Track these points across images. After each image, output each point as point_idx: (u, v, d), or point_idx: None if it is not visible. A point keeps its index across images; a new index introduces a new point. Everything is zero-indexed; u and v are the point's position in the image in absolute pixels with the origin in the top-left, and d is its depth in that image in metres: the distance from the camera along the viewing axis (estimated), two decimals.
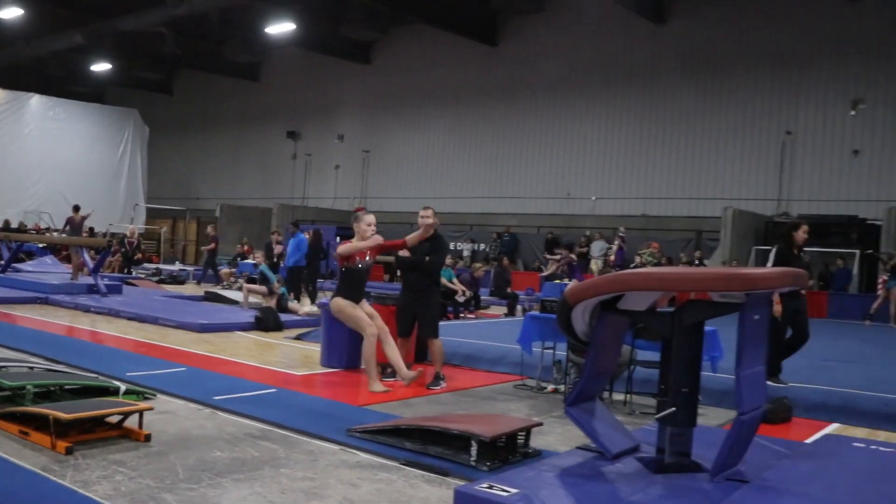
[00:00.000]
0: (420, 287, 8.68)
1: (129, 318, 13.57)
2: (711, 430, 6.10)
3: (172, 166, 40.56)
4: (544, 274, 21.85)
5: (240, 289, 17.01)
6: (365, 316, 8.04)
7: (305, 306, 15.57)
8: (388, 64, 33.15)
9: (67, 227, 21.93)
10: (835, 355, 11.26)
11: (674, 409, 4.87)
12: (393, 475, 5.18)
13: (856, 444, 6.27)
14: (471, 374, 9.58)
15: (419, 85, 32.04)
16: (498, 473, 4.89)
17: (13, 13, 28.09)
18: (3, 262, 18.95)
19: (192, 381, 8.02)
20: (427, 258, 8.63)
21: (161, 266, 28.68)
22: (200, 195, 39.40)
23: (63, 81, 36.98)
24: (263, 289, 14.94)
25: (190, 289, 21.76)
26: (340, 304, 8.08)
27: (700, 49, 25.81)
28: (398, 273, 10.20)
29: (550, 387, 8.67)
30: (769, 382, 8.37)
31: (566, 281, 17.59)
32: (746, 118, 25.05)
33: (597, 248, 24.71)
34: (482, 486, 4.36)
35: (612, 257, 23.24)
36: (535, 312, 9.23)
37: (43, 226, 31.37)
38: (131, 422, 5.72)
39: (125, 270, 24.73)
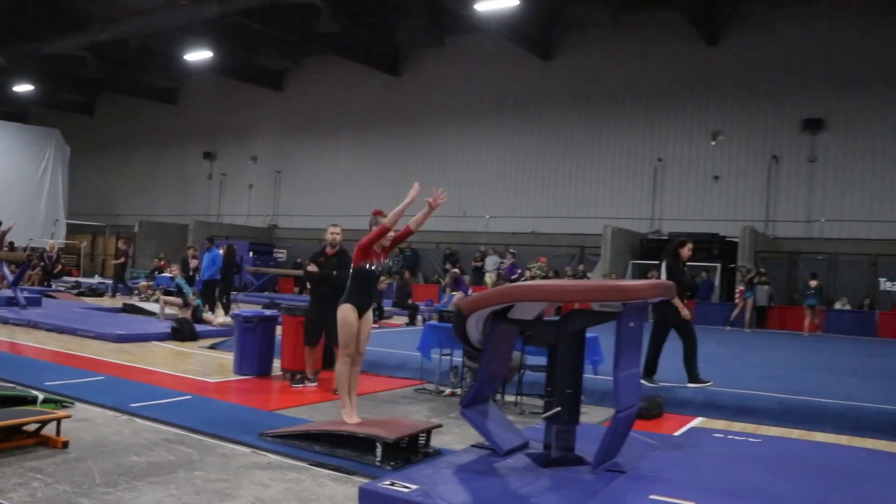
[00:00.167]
0: (328, 299, 8.60)
1: (49, 330, 13.04)
2: (593, 427, 6.23)
3: (93, 184, 39.17)
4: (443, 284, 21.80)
5: (157, 301, 16.53)
6: (354, 341, 6.72)
7: (220, 317, 15.23)
8: (300, 91, 32.89)
9: None
10: (700, 357, 11.63)
11: (559, 408, 4.96)
12: (302, 475, 5.12)
13: (716, 434, 6.50)
14: (375, 380, 9.55)
15: (328, 111, 31.87)
16: (400, 472, 4.89)
17: None
18: None
19: (110, 389, 7.76)
20: (335, 272, 8.58)
21: (80, 279, 27.63)
22: (120, 212, 38.14)
23: None
24: (179, 300, 14.55)
25: (108, 301, 21.05)
26: (347, 313, 6.68)
27: (583, 83, 26.47)
28: (307, 286, 10.08)
29: (448, 390, 8.71)
30: (646, 382, 8.64)
31: (453, 293, 17.71)
32: (624, 146, 25.77)
33: (490, 262, 24.95)
34: (385, 484, 4.36)
35: (504, 271, 23.49)
36: (434, 322, 9.27)
37: None
38: (49, 430, 5.51)
39: (45, 283, 23.73)
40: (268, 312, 10.23)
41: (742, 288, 20.61)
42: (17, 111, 38.33)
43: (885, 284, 21.81)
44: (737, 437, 6.33)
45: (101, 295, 22.73)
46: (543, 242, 25.92)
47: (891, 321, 20.30)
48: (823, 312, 20.36)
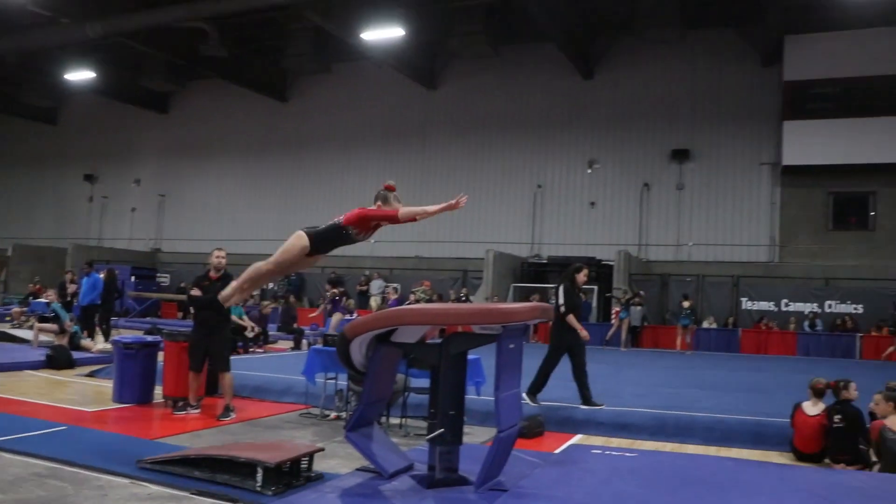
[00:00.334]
0: (212, 324, 8.35)
1: None
2: (476, 447, 6.21)
3: None
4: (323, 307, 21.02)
5: (31, 327, 15.60)
6: (283, 266, 6.16)
7: (99, 343, 14.52)
8: (185, 114, 32.00)
9: None
10: None
11: (442, 430, 4.91)
12: None
13: (594, 450, 6.60)
14: (260, 405, 9.27)
15: (214, 135, 31.14)
16: (283, 497, 4.73)
17: None
18: None
19: None
20: (219, 297, 8.32)
21: None
22: None
23: None
24: (55, 327, 13.74)
25: None
26: (302, 241, 5.92)
27: (466, 112, 26.87)
28: (191, 311, 9.72)
29: (333, 414, 8.54)
30: (529, 402, 8.72)
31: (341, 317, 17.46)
32: (505, 173, 26.22)
33: (375, 286, 24.83)
34: None
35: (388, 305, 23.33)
36: (319, 346, 9.10)
37: None
38: None
39: None
40: (149, 338, 9.80)
41: (618, 309, 21.20)
42: None
43: (747, 304, 22.96)
44: (614, 453, 6.44)
45: None
46: (427, 266, 26.00)
47: (752, 338, 21.32)
48: (694, 331, 21.16)
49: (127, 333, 14.52)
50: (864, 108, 22.18)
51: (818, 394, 7.39)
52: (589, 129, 25.37)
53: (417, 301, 16.68)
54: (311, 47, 24.58)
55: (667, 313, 23.20)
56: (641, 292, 21.91)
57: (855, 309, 21.98)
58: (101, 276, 16.51)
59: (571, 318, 9.06)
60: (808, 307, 22.20)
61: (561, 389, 9.61)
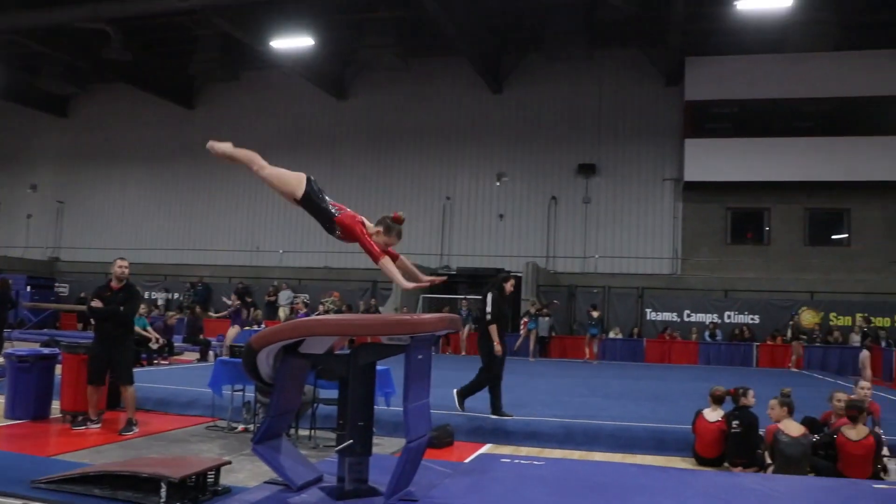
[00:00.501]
0: (114, 336, 8.07)
1: None
2: (386, 458, 6.17)
3: None
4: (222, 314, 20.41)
5: None
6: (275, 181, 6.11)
7: None
8: (87, 118, 30.82)
9: None
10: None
11: (351, 441, 4.87)
12: None
13: (503, 459, 6.64)
14: (164, 418, 9.00)
15: (118, 141, 30.08)
16: None
17: None
18: None
19: None
20: (121, 308, 8.05)
21: None
22: None
23: None
24: None
25: None
26: (300, 178, 5.87)
27: (376, 123, 26.83)
28: (91, 322, 9.36)
29: (241, 426, 8.37)
30: (497, 416, 8.76)
31: (252, 327, 17.15)
32: (415, 184, 26.28)
33: (284, 297, 24.47)
34: None
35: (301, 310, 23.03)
36: (225, 357, 8.91)
37: None
38: None
39: None
40: (46, 350, 9.39)
41: (526, 319, 21.45)
42: None
43: (651, 315, 23.61)
44: (523, 461, 6.50)
45: None
46: (336, 277, 25.78)
47: (656, 348, 21.93)
48: (601, 341, 21.60)
49: (22, 346, 13.86)
50: (760, 129, 23.23)
51: (717, 401, 7.64)
52: (498, 143, 25.71)
53: (326, 312, 16.52)
54: (219, 54, 24.14)
55: (574, 324, 23.67)
56: (556, 301, 22.31)
57: (752, 319, 22.89)
58: None
59: (493, 329, 9.11)
60: (708, 318, 23.00)
61: (470, 400, 9.66)
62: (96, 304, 8.14)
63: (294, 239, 27.31)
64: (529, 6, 21.52)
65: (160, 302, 26.07)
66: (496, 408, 8.97)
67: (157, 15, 21.57)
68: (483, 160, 25.82)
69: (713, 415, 7.53)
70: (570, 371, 17.37)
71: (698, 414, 7.66)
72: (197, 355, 17.29)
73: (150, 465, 5.44)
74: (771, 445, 6.89)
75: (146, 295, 24.11)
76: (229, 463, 5.81)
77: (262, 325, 17.94)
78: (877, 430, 7.21)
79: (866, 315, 21.80)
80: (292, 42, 21.78)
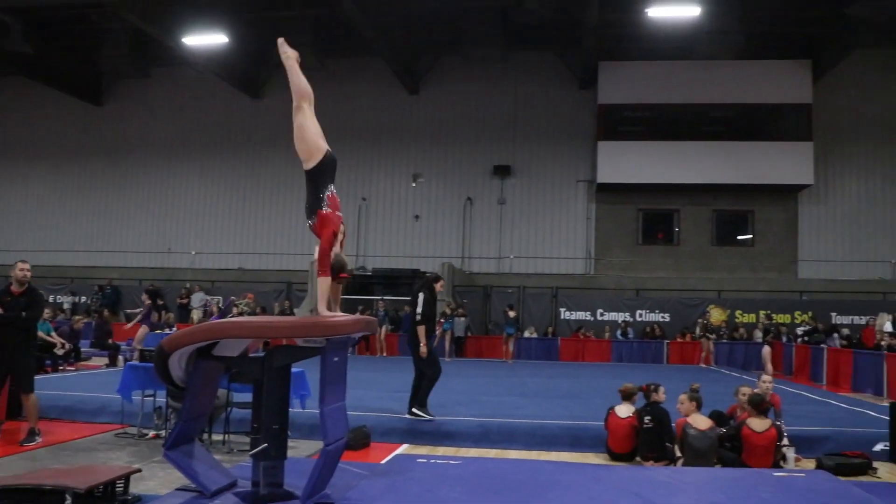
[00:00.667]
0: (15, 342, 7.72)
1: None
2: (301, 461, 6.11)
3: None
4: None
5: None
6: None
7: None
8: None
9: None
10: (405, 386, 11.92)
11: (266, 444, 4.81)
12: None
13: (419, 460, 6.66)
14: (71, 427, 8.67)
15: (19, 137, 28.79)
16: None
17: None
18: None
19: None
20: (23, 313, 7.73)
21: None
22: None
23: None
24: None
25: None
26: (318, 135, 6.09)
27: (291, 125, 26.34)
28: None
29: (152, 433, 8.15)
30: (420, 414, 8.71)
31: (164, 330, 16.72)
32: None
33: (197, 299, 23.93)
34: None
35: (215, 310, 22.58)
36: (135, 362, 8.67)
37: None
38: None
39: None
40: None
41: (442, 320, 21.52)
42: None
43: (565, 314, 24.02)
44: (439, 461, 6.53)
45: None
46: (250, 279, 25.37)
47: (570, 346, 22.31)
48: (517, 340, 21.85)
49: None
50: (670, 133, 23.97)
51: (627, 398, 7.84)
52: (414, 144, 25.76)
53: (241, 314, 16.26)
54: (128, 49, 23.45)
55: (490, 324, 23.89)
56: (465, 301, 22.48)
57: (662, 318, 23.54)
58: None
59: (421, 330, 9.09)
60: (621, 316, 23.54)
61: (388, 400, 9.67)
62: None
63: (207, 240, 26.77)
64: (446, 8, 21.61)
65: (66, 306, 25.18)
66: (421, 404, 8.97)
67: (60, 6, 20.80)
68: (399, 161, 25.83)
69: (625, 411, 7.72)
70: (485, 371, 17.52)
71: (610, 411, 7.83)
72: (106, 360, 16.75)
73: (53, 476, 5.24)
74: (680, 439, 7.12)
75: (51, 298, 23.26)
76: (139, 471, 5.66)
77: (174, 328, 17.51)
78: (778, 421, 7.52)
79: (768, 312, 22.75)
80: (205, 39, 21.33)
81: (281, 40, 5.88)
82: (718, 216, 24.96)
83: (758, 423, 7.09)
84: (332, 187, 5.48)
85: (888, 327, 17.76)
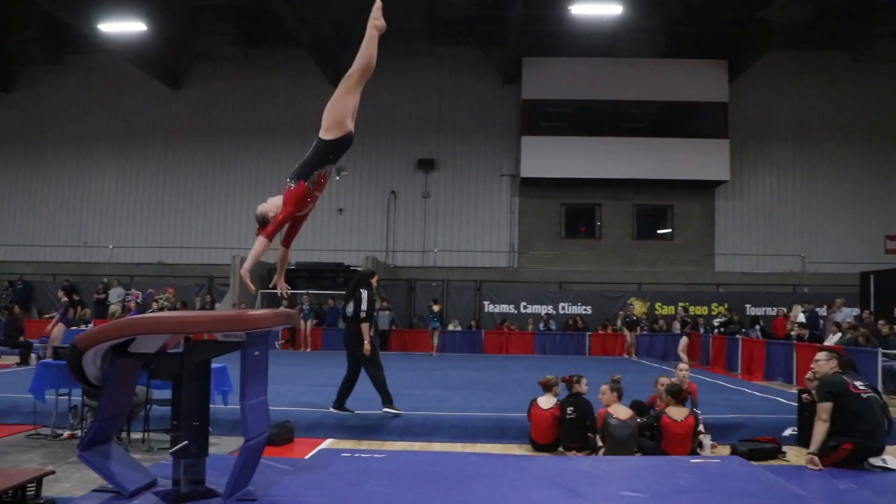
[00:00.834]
0: None
1: None
2: (223, 458, 6.01)
3: None
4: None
5: None
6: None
7: None
8: None
9: None
10: (329, 381, 11.84)
11: (186, 442, 4.71)
12: None
13: (344, 454, 6.62)
14: None
15: None
16: None
17: None
18: None
19: None
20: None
21: None
22: None
23: None
24: None
25: None
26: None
27: (213, 115, 25.98)
28: None
29: (67, 433, 7.88)
30: (339, 411, 8.61)
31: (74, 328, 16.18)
32: (253, 177, 25.64)
33: (115, 294, 23.24)
34: None
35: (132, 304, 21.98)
36: (49, 360, 8.37)
37: None
38: None
39: None
40: None
41: None
42: None
43: (489, 307, 24.21)
44: (363, 455, 6.50)
45: None
46: (170, 273, 24.82)
47: (494, 339, 22.50)
48: (441, 333, 21.94)
49: None
50: (592, 129, 24.41)
51: (548, 389, 7.95)
52: None
53: (161, 309, 15.90)
54: (39, 34, 22.59)
55: (414, 317, 23.91)
56: (383, 296, 22.48)
57: (585, 310, 23.93)
58: None
59: (365, 328, 9.01)
60: (544, 309, 23.83)
61: (312, 395, 9.58)
62: None
63: (125, 233, 26.06)
64: None
65: None
66: (340, 403, 8.93)
67: None
68: None
69: (546, 403, 7.82)
70: (410, 364, 17.52)
71: (533, 402, 7.93)
72: (17, 359, 16.14)
73: None
74: (602, 429, 7.26)
75: None
76: (53, 472, 5.46)
77: (91, 325, 16.99)
78: (695, 409, 7.74)
79: (686, 304, 23.39)
80: (122, 26, 20.73)
81: (379, 4, 5.53)
82: (639, 211, 25.55)
83: (676, 412, 7.29)
84: (329, 167, 5.45)
85: (801, 318, 18.45)
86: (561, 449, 7.64)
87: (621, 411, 7.30)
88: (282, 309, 5.61)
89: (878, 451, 6.55)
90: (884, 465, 6.45)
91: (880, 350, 13.06)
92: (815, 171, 25.40)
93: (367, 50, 5.53)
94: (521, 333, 22.85)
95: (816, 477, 6.23)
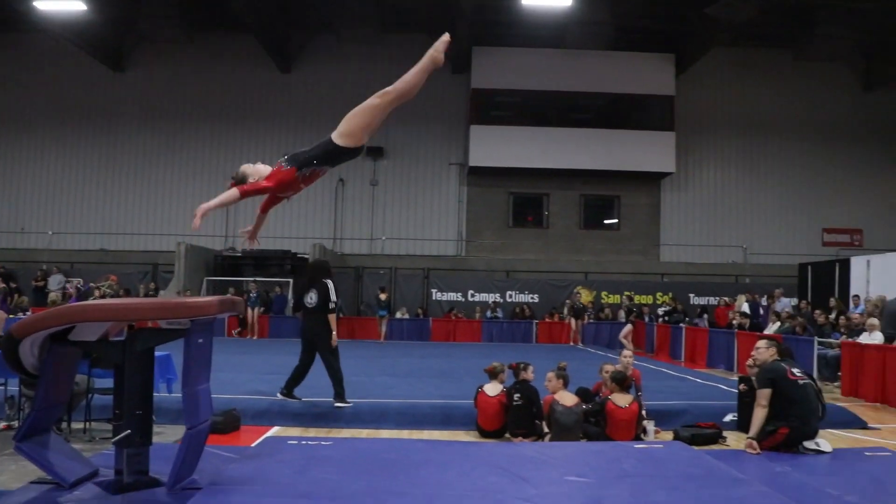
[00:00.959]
0: None
1: None
2: (168, 447, 5.92)
3: None
4: None
5: None
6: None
7: None
8: None
9: None
10: (276, 368, 11.76)
11: (129, 431, 4.64)
12: None
13: (290, 441, 6.57)
14: None
15: None
16: None
17: None
18: None
19: None
20: None
21: None
22: None
23: None
24: None
25: None
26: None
27: (157, 98, 25.45)
28: None
29: (3, 424, 7.68)
30: (286, 398, 8.52)
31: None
32: (197, 163, 25.27)
33: (54, 281, 22.71)
34: None
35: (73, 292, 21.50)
36: None
37: None
38: None
39: None
40: None
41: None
42: None
43: (437, 295, 24.26)
44: (310, 442, 6.47)
45: None
46: (113, 260, 24.31)
47: (442, 327, 22.57)
48: (389, 321, 21.93)
49: None
50: (540, 119, 24.55)
51: (494, 376, 8.00)
52: (285, 123, 25.25)
53: (103, 296, 15.59)
54: None
55: (362, 304, 23.85)
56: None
57: (532, 298, 24.16)
58: None
59: (333, 319, 8.94)
60: (491, 297, 23.98)
61: (258, 382, 9.50)
62: None
63: (65, 219, 25.43)
64: None
65: None
66: (289, 389, 8.87)
67: None
68: (269, 140, 25.25)
69: (493, 390, 7.87)
70: (358, 352, 17.47)
71: (479, 390, 7.97)
72: None
73: None
74: (548, 415, 7.34)
75: None
76: None
77: (29, 313, 16.57)
78: (639, 396, 7.87)
79: (631, 294, 23.74)
80: (60, 4, 20.17)
81: (446, 39, 5.53)
82: (586, 201, 25.81)
83: (621, 399, 7.40)
84: (326, 168, 5.31)
85: (745, 308, 18.90)
86: (507, 435, 7.70)
87: (567, 398, 7.39)
88: (227, 296, 5.52)
89: (812, 435, 6.78)
90: (817, 447, 6.69)
91: (816, 339, 13.45)
92: (757, 165, 25.98)
93: (414, 78, 5.48)
94: (468, 321, 22.95)
95: (754, 460, 6.41)
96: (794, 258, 23.42)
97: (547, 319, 23.02)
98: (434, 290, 24.38)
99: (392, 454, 5.97)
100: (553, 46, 23.86)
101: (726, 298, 21.64)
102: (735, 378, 10.70)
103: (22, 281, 22.74)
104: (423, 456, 5.89)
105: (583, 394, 8.07)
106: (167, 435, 7.11)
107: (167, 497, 4.55)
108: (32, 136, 25.71)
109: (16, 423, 7.49)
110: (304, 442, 6.50)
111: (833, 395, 11.74)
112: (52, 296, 21.69)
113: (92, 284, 20.34)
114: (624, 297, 23.75)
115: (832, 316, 15.47)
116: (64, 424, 7.21)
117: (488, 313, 23.31)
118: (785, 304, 18.64)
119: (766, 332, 15.58)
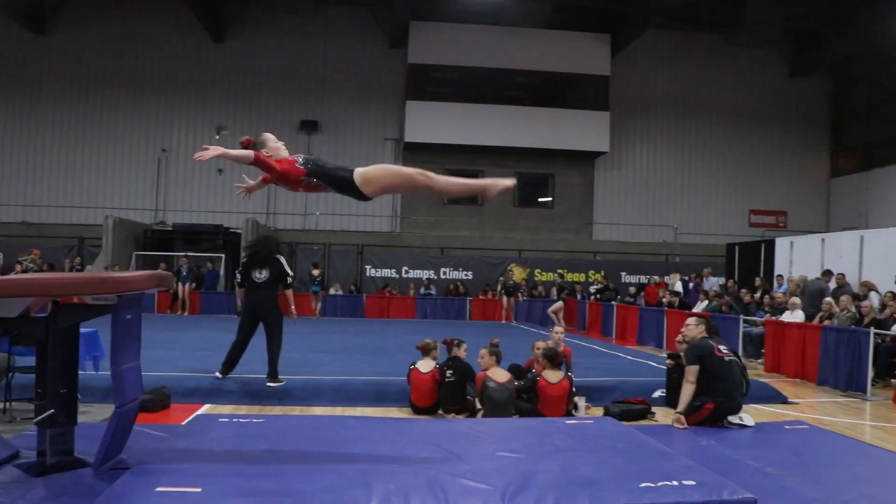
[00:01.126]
0: None
1: None
2: (94, 426, 5.80)
3: None
4: None
5: None
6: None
7: None
8: None
9: None
10: (207, 345, 11.62)
11: (52, 411, 4.53)
12: None
13: (221, 419, 6.51)
14: None
15: None
16: None
17: None
18: None
19: None
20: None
21: None
22: None
23: None
24: None
25: None
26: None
27: (83, 65, 24.57)
28: None
29: None
30: (270, 384, 8.39)
31: None
32: (126, 134, 24.59)
33: None
34: None
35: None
36: None
37: None
38: None
39: None
40: None
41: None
42: None
43: (371, 271, 24.20)
44: (242, 420, 6.41)
45: None
46: (36, 233, 23.52)
47: (376, 303, 22.54)
48: (323, 297, 21.78)
49: None
50: (476, 96, 24.57)
51: (427, 353, 8.04)
52: (218, 94, 24.75)
53: (26, 271, 15.12)
54: None
55: (295, 280, 23.61)
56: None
57: (466, 275, 24.29)
58: None
59: (291, 293, 8.91)
60: (425, 274, 24.03)
61: (189, 360, 9.36)
62: None
63: None
64: None
65: None
66: (227, 369, 8.75)
67: None
68: (202, 111, 24.76)
69: (426, 366, 7.91)
70: (291, 328, 17.10)
71: (412, 367, 8.01)
72: None
73: None
74: (480, 392, 7.42)
75: None
76: None
77: None
78: (569, 372, 8.00)
79: (564, 272, 24.07)
80: None
81: (510, 184, 5.49)
82: (521, 178, 25.86)
83: (552, 375, 7.51)
84: (330, 189, 5.33)
85: (678, 287, 19.34)
86: (440, 412, 7.76)
87: (499, 374, 7.47)
88: (155, 271, 5.41)
89: (736, 410, 7.00)
90: (740, 422, 6.93)
91: (742, 317, 13.86)
92: (688, 147, 26.52)
93: (455, 188, 5.54)
94: (402, 298, 22.96)
95: (681, 435, 6.60)
96: (722, 238, 24.05)
97: (480, 297, 23.18)
98: (368, 267, 24.30)
99: (324, 431, 5.96)
100: (491, 23, 23.87)
101: (657, 277, 22.10)
102: (664, 355, 10.97)
103: None
104: (355, 432, 5.90)
105: (515, 370, 8.17)
106: (94, 414, 6.97)
107: (93, 478, 4.46)
108: None
109: None
110: (235, 420, 6.45)
111: (757, 371, 12.15)
112: None
113: (22, 261, 19.73)
114: (556, 274, 24.05)
115: (757, 295, 15.96)
116: None
117: (422, 290, 23.37)
118: (713, 283, 19.14)
119: (695, 310, 15.99)
